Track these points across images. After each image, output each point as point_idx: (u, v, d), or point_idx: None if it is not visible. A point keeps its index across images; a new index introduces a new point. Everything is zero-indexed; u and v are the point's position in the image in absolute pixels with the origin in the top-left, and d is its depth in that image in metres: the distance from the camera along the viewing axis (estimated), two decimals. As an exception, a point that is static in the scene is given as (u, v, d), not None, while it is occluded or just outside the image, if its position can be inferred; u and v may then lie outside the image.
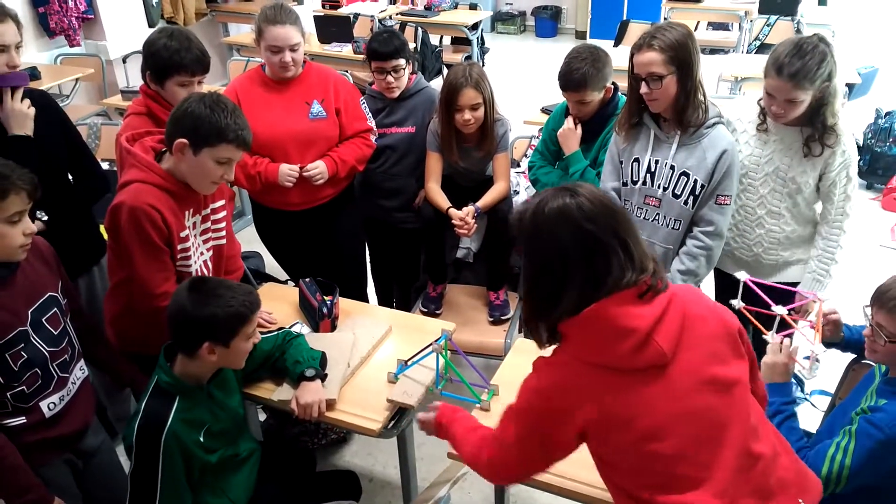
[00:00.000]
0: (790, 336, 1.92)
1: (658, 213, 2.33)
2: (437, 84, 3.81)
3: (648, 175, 2.31)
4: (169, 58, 2.27)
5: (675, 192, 2.26)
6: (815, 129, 2.18)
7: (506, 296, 2.95)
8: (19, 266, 1.80)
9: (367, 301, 3.16)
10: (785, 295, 2.01)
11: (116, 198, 1.95)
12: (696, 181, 2.22)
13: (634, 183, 2.34)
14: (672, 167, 2.25)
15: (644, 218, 2.36)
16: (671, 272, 2.32)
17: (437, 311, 2.94)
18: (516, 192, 3.00)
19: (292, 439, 2.76)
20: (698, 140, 2.21)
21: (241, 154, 1.99)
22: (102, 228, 2.67)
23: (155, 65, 2.30)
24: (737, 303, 1.97)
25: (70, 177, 2.44)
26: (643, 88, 2.16)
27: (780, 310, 1.89)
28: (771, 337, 1.91)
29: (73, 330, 1.95)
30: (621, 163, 2.38)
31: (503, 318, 2.88)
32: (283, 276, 3.40)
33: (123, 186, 1.96)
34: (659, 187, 2.30)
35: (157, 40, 2.29)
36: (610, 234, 1.35)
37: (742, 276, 2.01)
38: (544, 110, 4.06)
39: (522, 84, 6.72)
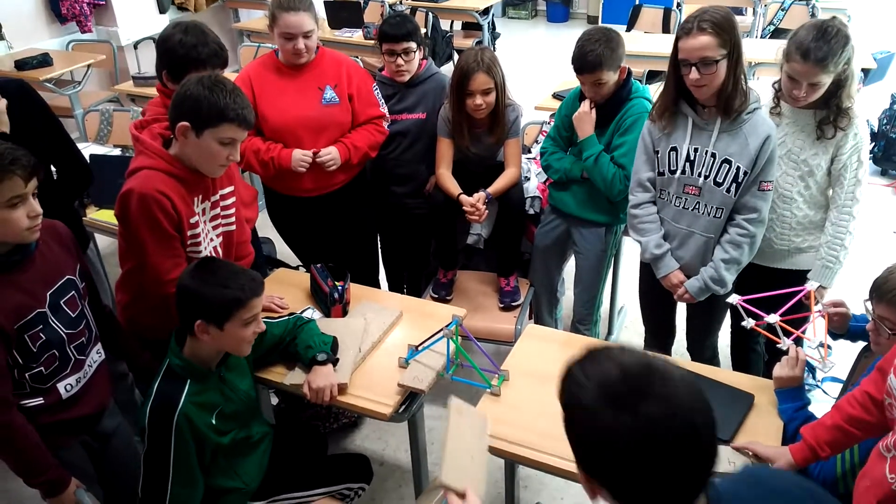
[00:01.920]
0: (798, 340, 1.95)
1: (698, 202, 2.27)
2: (447, 70, 3.81)
3: (688, 164, 2.24)
4: (185, 54, 2.19)
5: (717, 180, 2.21)
6: (829, 111, 2.17)
7: (516, 282, 2.95)
8: (37, 249, 1.82)
9: (378, 287, 3.17)
10: (785, 298, 2.01)
11: (126, 185, 1.95)
12: (738, 168, 2.16)
13: (672, 172, 2.28)
14: (713, 155, 2.19)
15: (683, 207, 2.31)
16: (714, 262, 2.29)
17: (448, 297, 2.94)
18: (527, 178, 2.99)
19: (304, 423, 2.79)
20: (739, 126, 2.15)
21: (244, 134, 1.98)
22: (109, 215, 2.70)
23: (171, 62, 2.22)
24: (748, 323, 1.99)
25: (53, 169, 2.42)
26: (693, 74, 2.07)
27: (772, 318, 1.94)
28: (784, 344, 1.93)
29: (90, 313, 1.97)
30: (657, 152, 2.32)
31: (514, 304, 2.88)
32: (294, 261, 3.41)
33: (132, 173, 1.97)
34: (700, 176, 2.23)
35: (172, 36, 2.21)
36: None
37: (733, 298, 2.05)
38: (556, 96, 4.03)
39: (534, 69, 6.69)
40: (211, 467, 1.89)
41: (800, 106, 2.21)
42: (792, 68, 2.10)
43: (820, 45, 2.04)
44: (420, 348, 2.12)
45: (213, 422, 1.86)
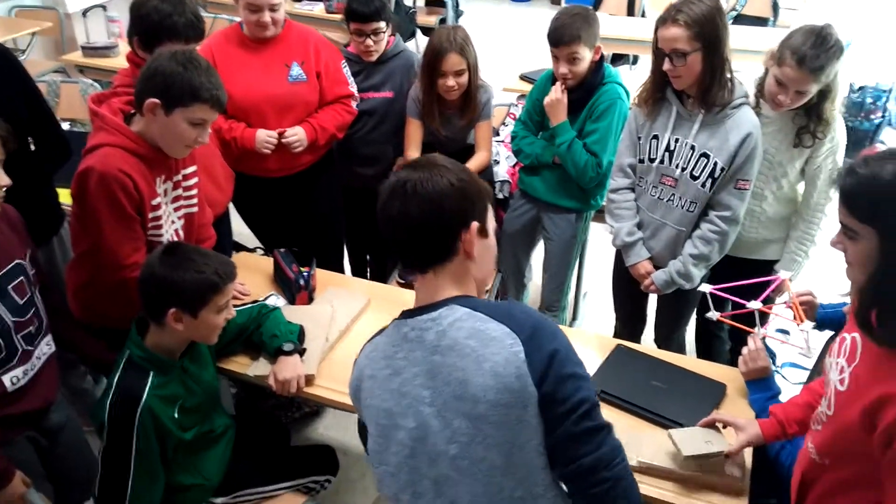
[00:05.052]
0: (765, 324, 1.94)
1: (674, 194, 2.25)
2: (410, 47, 3.71)
3: (667, 153, 2.22)
4: (159, 22, 2.05)
5: (694, 173, 2.18)
6: (810, 120, 2.15)
7: (484, 267, 2.90)
8: None
9: (343, 272, 3.09)
10: (753, 287, 2.01)
11: (84, 162, 1.84)
12: (716, 163, 2.13)
13: (652, 161, 2.26)
14: (692, 147, 2.16)
15: (658, 198, 2.29)
16: (683, 256, 2.27)
17: (415, 282, 2.87)
18: (496, 162, 2.94)
19: (266, 413, 2.70)
20: (722, 121, 2.11)
21: (216, 115, 1.89)
22: (65, 194, 2.55)
23: (144, 30, 2.09)
24: (713, 314, 1.97)
25: (30, 140, 2.30)
26: (666, 65, 2.06)
27: (755, 304, 1.93)
28: (758, 331, 1.92)
29: (41, 302, 1.85)
30: (639, 138, 2.29)
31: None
32: (249, 241, 3.30)
33: (91, 150, 1.85)
34: (677, 167, 2.21)
35: (147, 2, 2.08)
36: None
37: (705, 287, 2.02)
38: (523, 77, 3.97)
39: (498, 49, 6.60)
40: (172, 464, 1.81)
41: (781, 111, 2.17)
42: (783, 73, 2.05)
43: (817, 52, 2.00)
44: (391, 338, 2.05)
45: (176, 415, 1.78)
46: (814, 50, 2.00)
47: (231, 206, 2.94)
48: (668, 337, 2.61)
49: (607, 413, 1.84)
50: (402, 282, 2.87)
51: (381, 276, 3.22)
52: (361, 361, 1.36)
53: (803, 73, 2.02)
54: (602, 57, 2.53)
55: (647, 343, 2.73)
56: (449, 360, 1.21)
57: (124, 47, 4.39)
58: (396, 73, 2.82)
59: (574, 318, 3.40)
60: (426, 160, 1.28)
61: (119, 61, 4.31)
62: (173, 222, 2.05)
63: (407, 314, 1.30)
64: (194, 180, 2.10)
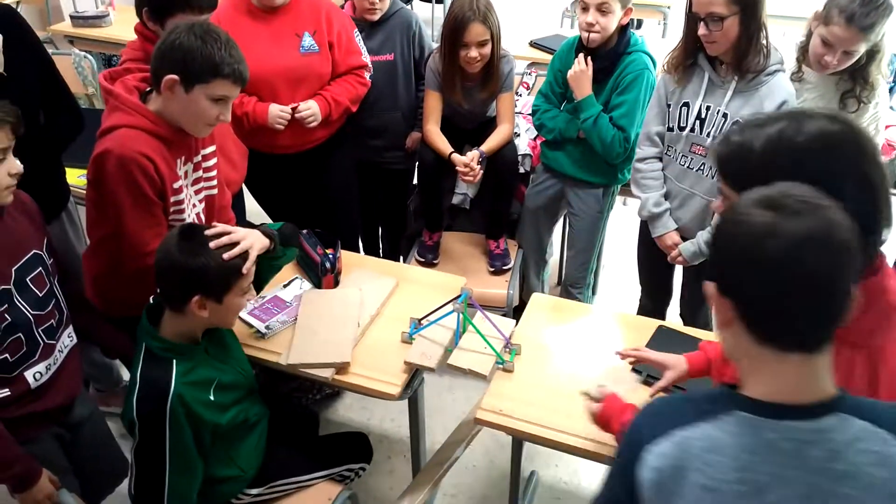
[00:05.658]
0: None
1: (704, 164, 2.18)
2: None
3: (698, 122, 2.15)
4: None
5: None
6: (856, 83, 2.10)
7: (506, 244, 2.83)
8: (1, 219, 1.61)
9: (358, 251, 3.00)
10: None
11: (100, 145, 1.73)
12: None
13: (682, 129, 2.19)
14: (725, 115, 2.10)
15: (688, 167, 2.22)
16: (712, 226, 2.20)
17: (434, 261, 2.80)
18: (516, 135, 2.83)
19: (286, 396, 2.64)
20: (756, 88, 2.05)
21: (238, 91, 1.78)
22: (71, 174, 2.44)
23: (154, 0, 1.98)
24: None
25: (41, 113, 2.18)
26: (701, 29, 1.99)
27: None
28: None
29: (60, 293, 1.76)
30: (669, 106, 2.22)
31: (504, 267, 2.76)
32: (255, 218, 3.18)
33: (107, 132, 1.74)
34: (708, 136, 2.14)
35: None
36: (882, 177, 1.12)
37: None
38: (533, 44, 3.86)
39: (503, 14, 6.44)
40: (208, 455, 1.73)
41: (827, 73, 2.12)
42: (831, 32, 2.00)
43: (866, 10, 1.95)
44: (425, 323, 1.98)
45: (212, 398, 1.70)
46: (863, 7, 1.96)
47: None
48: (695, 311, 2.55)
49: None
50: (422, 260, 2.79)
51: (394, 254, 3.13)
52: (681, 455, 0.99)
53: (852, 32, 1.97)
54: (629, 23, 2.43)
55: (672, 318, 2.68)
56: (843, 489, 0.94)
57: (116, 16, 4.24)
58: (395, 33, 2.70)
59: (593, 291, 3.34)
60: (802, 200, 0.95)
61: (111, 31, 4.15)
62: (195, 206, 1.95)
63: (766, 410, 0.97)
64: (214, 160, 1.99)
